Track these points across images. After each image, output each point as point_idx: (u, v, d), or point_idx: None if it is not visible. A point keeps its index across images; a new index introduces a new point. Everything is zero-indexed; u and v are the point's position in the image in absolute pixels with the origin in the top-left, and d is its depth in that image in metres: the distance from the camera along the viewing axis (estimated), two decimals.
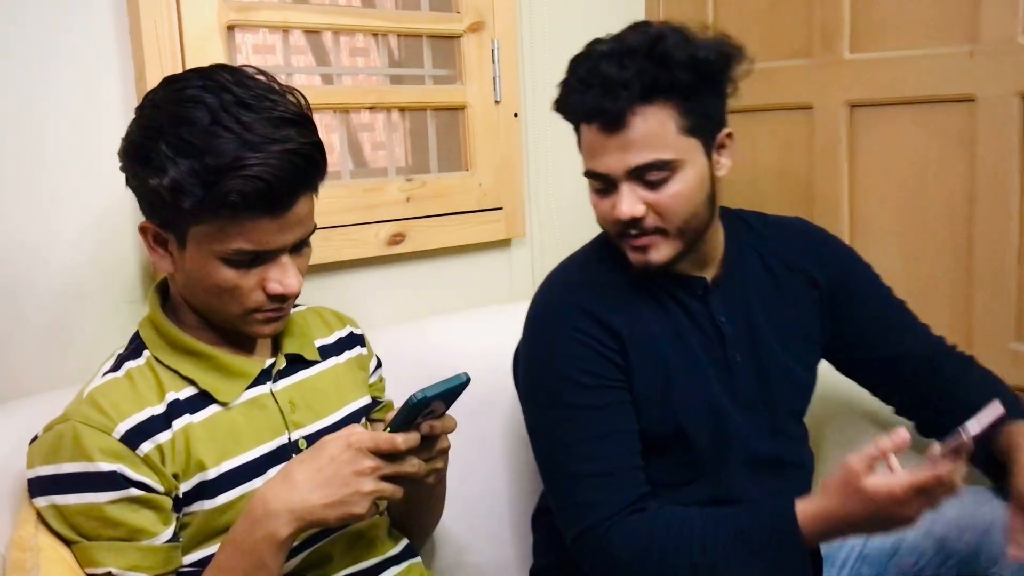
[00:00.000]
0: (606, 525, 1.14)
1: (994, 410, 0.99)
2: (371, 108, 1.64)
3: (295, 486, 0.96)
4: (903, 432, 1.01)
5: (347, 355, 1.25)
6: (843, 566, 1.30)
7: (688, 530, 1.12)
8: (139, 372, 1.05)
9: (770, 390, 1.26)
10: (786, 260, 1.31)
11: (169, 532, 1.01)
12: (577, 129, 1.20)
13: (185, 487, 1.03)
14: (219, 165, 0.94)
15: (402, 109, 1.71)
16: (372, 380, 1.28)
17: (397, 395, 1.29)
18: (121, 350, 1.10)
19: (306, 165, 0.99)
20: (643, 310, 1.23)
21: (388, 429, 0.99)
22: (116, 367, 1.06)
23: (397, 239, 1.64)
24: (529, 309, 1.28)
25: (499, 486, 1.51)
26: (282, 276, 1.02)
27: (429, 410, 0.98)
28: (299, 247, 1.05)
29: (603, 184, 1.17)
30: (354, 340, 1.27)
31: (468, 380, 0.98)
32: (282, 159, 0.95)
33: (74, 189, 1.31)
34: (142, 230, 1.04)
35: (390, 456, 0.98)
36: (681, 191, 1.14)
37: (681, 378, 1.22)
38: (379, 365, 1.31)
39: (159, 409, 1.03)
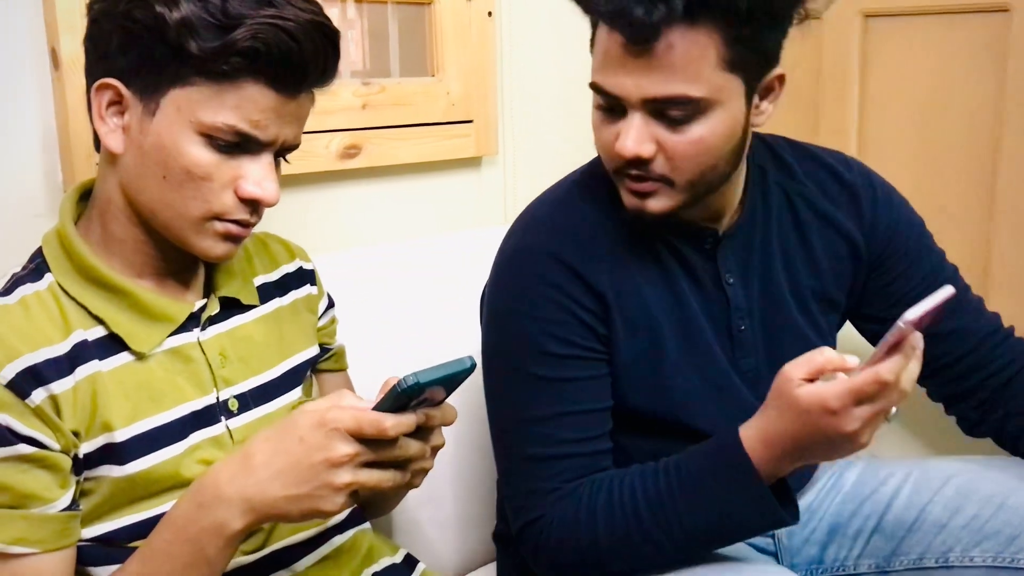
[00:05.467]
0: (549, 517, 1.02)
1: (942, 293, 0.85)
2: None
3: (252, 469, 0.81)
4: (853, 359, 0.88)
5: (293, 295, 1.08)
6: (856, 537, 1.17)
7: (630, 490, 0.99)
8: (37, 300, 0.88)
9: (778, 362, 1.10)
10: (819, 210, 1.13)
11: (67, 498, 0.86)
12: (594, 26, 1.00)
13: (87, 448, 0.87)
14: (241, 11, 0.83)
15: (359, 0, 1.54)
16: (321, 323, 1.12)
17: (346, 337, 1.17)
18: (17, 269, 0.92)
19: (330, 48, 0.90)
20: (635, 266, 1.06)
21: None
22: (7, 291, 0.89)
23: (351, 152, 1.48)
24: (499, 250, 1.11)
25: (460, 435, 1.37)
26: (263, 177, 0.89)
27: (423, 398, 0.81)
28: (283, 153, 0.93)
29: (610, 105, 0.98)
30: (303, 277, 1.11)
31: (473, 366, 0.81)
32: (310, 25, 0.86)
33: None
34: (100, 90, 0.87)
35: (375, 442, 0.81)
36: (704, 137, 0.96)
37: (676, 351, 1.06)
38: (331, 305, 1.15)
39: (60, 349, 0.86)
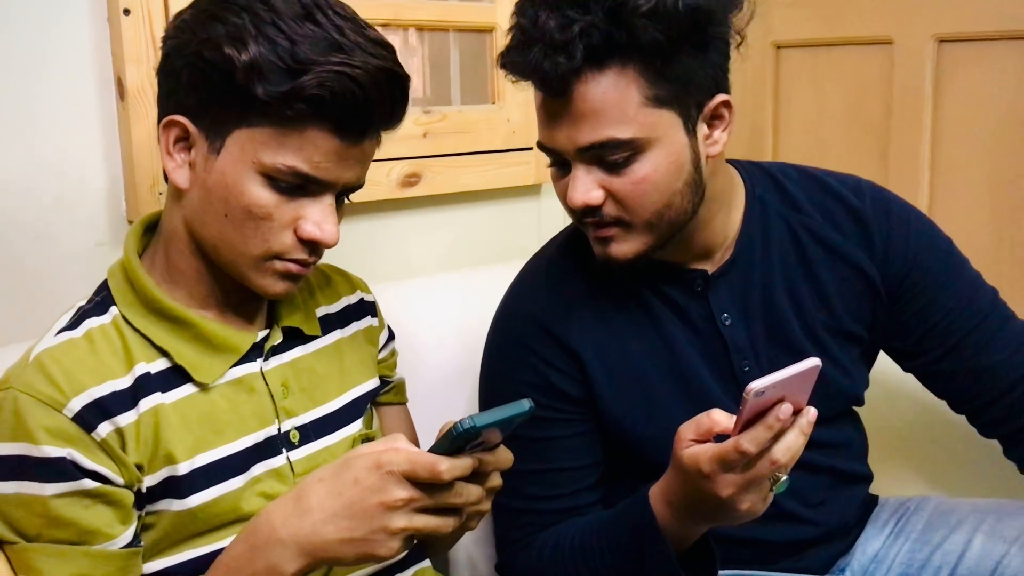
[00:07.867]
0: (512, 564, 1.10)
1: (802, 365, 0.82)
2: (384, 25, 1.45)
3: (307, 512, 0.81)
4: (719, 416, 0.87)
5: (354, 327, 1.08)
6: None
7: (568, 543, 1.03)
8: (102, 333, 0.89)
9: None
10: (825, 242, 1.09)
11: (129, 534, 0.86)
12: None
13: (150, 481, 0.87)
14: (310, 58, 0.83)
15: (420, 28, 1.55)
16: (382, 356, 1.12)
17: (406, 369, 1.16)
18: (83, 301, 0.93)
19: (398, 92, 0.89)
20: (619, 316, 1.08)
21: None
22: (74, 324, 0.90)
23: (411, 180, 1.49)
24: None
25: None
26: (323, 219, 0.89)
27: (479, 441, 0.80)
28: (345, 193, 0.93)
29: (557, 160, 1.02)
30: (364, 309, 1.10)
31: (532, 409, 0.81)
32: (378, 72, 0.85)
33: (31, 110, 1.15)
34: (168, 126, 0.89)
35: (431, 486, 0.79)
36: (648, 176, 0.96)
37: (670, 398, 1.06)
38: (391, 337, 1.14)
39: (124, 383, 0.87)
